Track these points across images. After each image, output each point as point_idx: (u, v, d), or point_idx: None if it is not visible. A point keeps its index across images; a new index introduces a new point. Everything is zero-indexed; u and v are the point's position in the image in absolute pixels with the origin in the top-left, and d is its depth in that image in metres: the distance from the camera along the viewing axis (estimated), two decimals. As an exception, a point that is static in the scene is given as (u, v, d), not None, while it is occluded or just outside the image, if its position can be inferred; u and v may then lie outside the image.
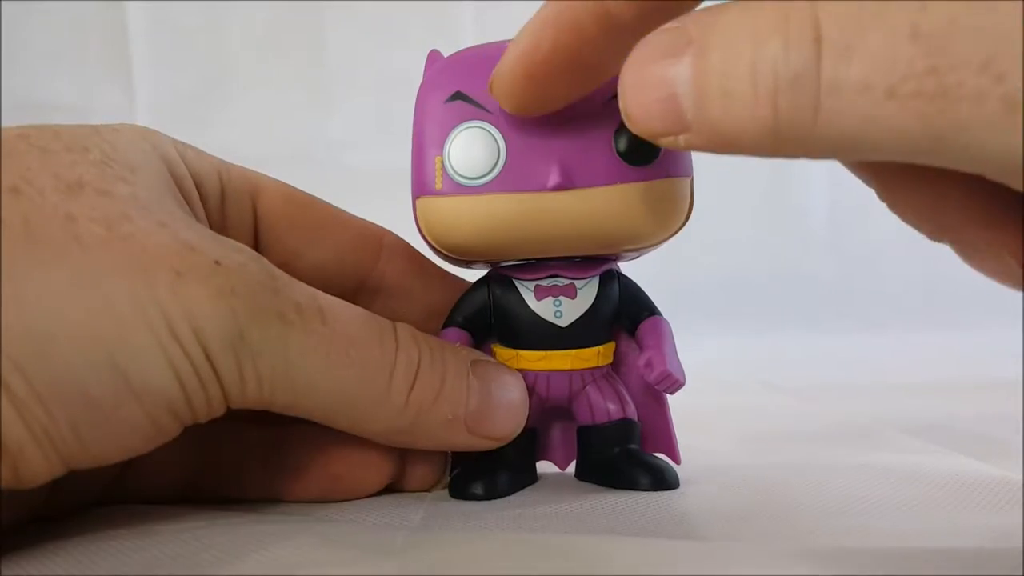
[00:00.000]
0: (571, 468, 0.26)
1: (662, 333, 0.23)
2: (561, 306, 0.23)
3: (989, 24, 0.12)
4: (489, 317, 0.24)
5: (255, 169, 0.24)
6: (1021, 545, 0.18)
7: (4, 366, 0.15)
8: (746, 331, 0.68)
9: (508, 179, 0.21)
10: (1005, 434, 0.33)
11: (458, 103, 0.21)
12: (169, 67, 0.72)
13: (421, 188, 0.22)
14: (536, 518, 0.21)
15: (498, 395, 0.21)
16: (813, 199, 0.78)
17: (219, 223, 0.22)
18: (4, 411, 0.15)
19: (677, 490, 0.23)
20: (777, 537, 0.19)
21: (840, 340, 0.67)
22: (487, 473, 0.23)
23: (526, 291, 0.23)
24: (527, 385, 0.23)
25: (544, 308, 0.23)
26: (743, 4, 0.14)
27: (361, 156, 0.71)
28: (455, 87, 0.21)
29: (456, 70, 0.22)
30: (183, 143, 0.22)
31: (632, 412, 0.24)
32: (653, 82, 0.14)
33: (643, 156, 0.21)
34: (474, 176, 0.21)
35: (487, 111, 0.21)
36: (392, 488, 0.24)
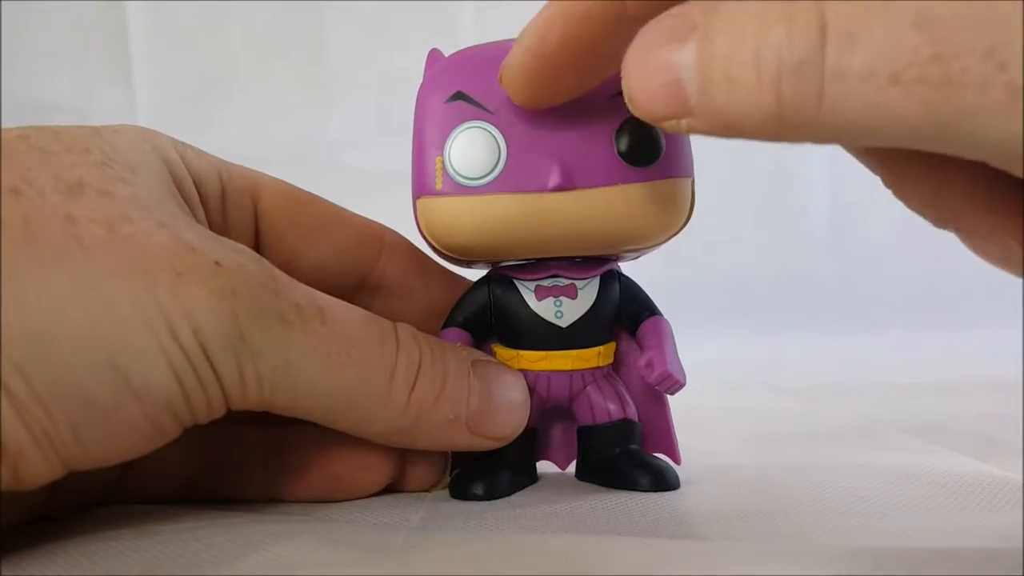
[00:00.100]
0: (571, 468, 0.26)
1: (663, 333, 0.23)
2: (562, 306, 0.23)
3: (993, 13, 0.12)
4: (489, 317, 0.24)
5: (255, 169, 0.24)
6: (1021, 545, 0.18)
7: (4, 367, 0.15)
8: (746, 331, 0.69)
9: (509, 179, 0.21)
10: (1005, 434, 0.33)
11: (459, 103, 0.21)
12: (169, 67, 0.72)
13: (421, 188, 0.22)
14: (536, 518, 0.21)
15: (499, 395, 0.21)
16: (813, 199, 0.78)
17: (220, 223, 0.22)
18: (4, 412, 0.15)
19: (677, 490, 0.23)
20: (777, 537, 0.19)
21: (840, 340, 0.67)
22: (488, 473, 0.23)
23: (527, 291, 0.23)
24: (527, 385, 0.23)
25: (545, 308, 0.23)
26: None
27: (361, 156, 0.71)
28: (456, 87, 0.21)
29: (457, 70, 0.22)
30: (183, 143, 0.22)
31: (632, 412, 0.24)
32: (657, 66, 0.14)
33: (644, 156, 0.21)
34: (475, 176, 0.21)
35: (488, 111, 0.21)
36: (392, 488, 0.24)
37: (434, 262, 0.25)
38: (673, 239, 0.22)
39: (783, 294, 0.75)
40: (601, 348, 0.24)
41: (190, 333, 0.17)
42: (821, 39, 0.13)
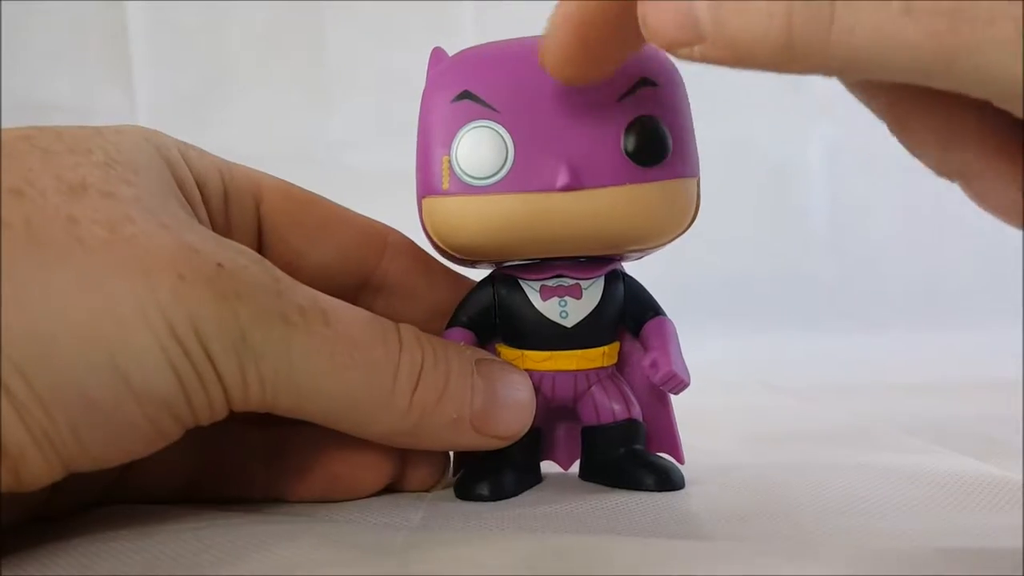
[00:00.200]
0: (574, 468, 0.26)
1: (667, 333, 0.23)
2: (567, 306, 0.23)
3: None
4: (494, 317, 0.24)
5: (257, 169, 0.24)
6: (1021, 545, 0.18)
7: (4, 368, 0.15)
8: (746, 331, 0.68)
9: (516, 179, 0.21)
10: (1005, 434, 0.33)
11: (465, 102, 0.21)
12: (169, 67, 0.72)
13: (427, 188, 0.22)
14: (536, 518, 0.21)
15: (504, 394, 0.21)
16: (813, 199, 0.78)
17: (222, 224, 0.22)
18: (4, 413, 0.15)
19: (678, 490, 0.23)
20: (777, 537, 0.19)
21: (840, 340, 0.67)
22: (493, 474, 0.23)
23: (532, 291, 0.23)
24: (532, 385, 0.22)
25: (550, 308, 0.23)
26: None
27: (361, 156, 0.71)
28: (462, 86, 0.21)
29: (463, 69, 0.22)
30: (186, 144, 0.22)
31: (637, 412, 0.24)
32: None
33: (652, 156, 0.21)
34: (482, 176, 0.21)
35: (495, 111, 0.21)
36: (392, 488, 0.23)
37: (438, 262, 0.25)
38: (677, 239, 0.22)
39: (783, 294, 0.75)
40: (606, 348, 0.24)
41: (192, 335, 0.17)
42: None
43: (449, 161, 0.21)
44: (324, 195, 0.25)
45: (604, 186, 0.21)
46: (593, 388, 0.24)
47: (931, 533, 0.19)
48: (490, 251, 0.22)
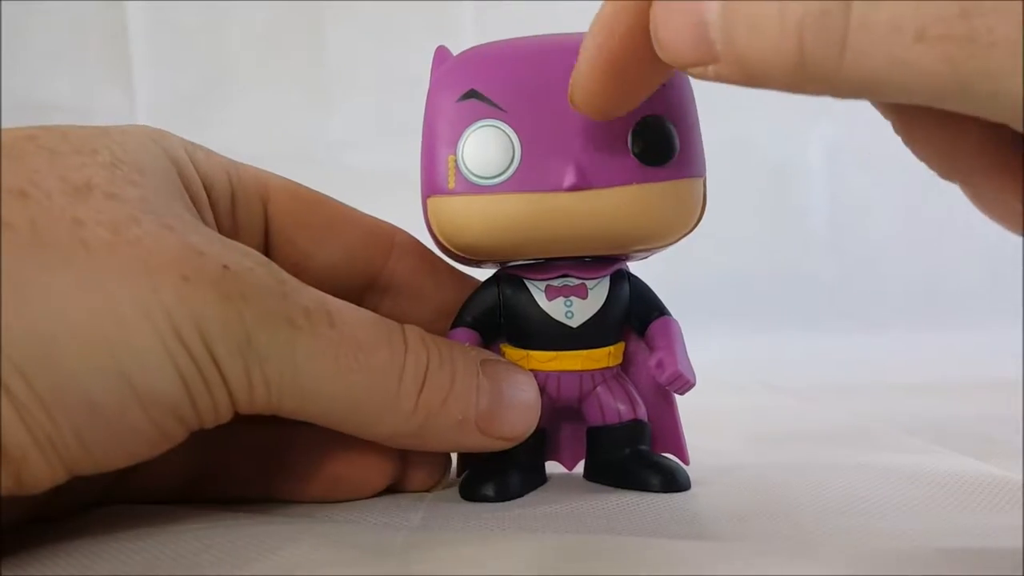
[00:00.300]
0: (578, 468, 0.26)
1: (672, 334, 0.23)
2: (572, 306, 0.23)
3: None
4: (499, 317, 0.24)
5: (264, 169, 0.24)
6: (1021, 545, 0.18)
7: (6, 370, 0.15)
8: (746, 331, 0.69)
9: (523, 179, 0.21)
10: (1005, 434, 0.33)
11: (472, 101, 0.21)
12: (169, 67, 0.72)
13: (432, 187, 0.22)
14: (537, 518, 0.21)
15: (510, 395, 0.21)
16: (813, 199, 0.78)
17: (229, 225, 0.22)
18: (6, 416, 0.15)
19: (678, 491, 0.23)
20: (777, 537, 0.19)
21: (840, 340, 0.67)
22: (498, 474, 0.23)
23: (537, 291, 0.23)
24: (537, 385, 0.22)
25: (555, 308, 0.23)
26: None
27: (361, 156, 0.71)
28: (469, 85, 0.21)
29: (469, 68, 0.22)
30: (193, 144, 0.22)
31: (642, 413, 0.24)
32: (685, 12, 0.14)
33: (659, 156, 0.21)
34: (489, 175, 0.21)
35: (502, 110, 0.21)
36: (393, 489, 0.23)
37: (444, 262, 0.25)
38: (683, 239, 0.22)
39: (783, 294, 0.75)
40: (611, 348, 0.24)
41: (197, 337, 0.17)
42: None
43: (455, 160, 0.21)
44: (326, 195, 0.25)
45: (611, 186, 0.21)
46: (598, 388, 0.24)
47: (931, 533, 0.19)
48: (496, 251, 0.22)
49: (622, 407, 0.24)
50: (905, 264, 0.76)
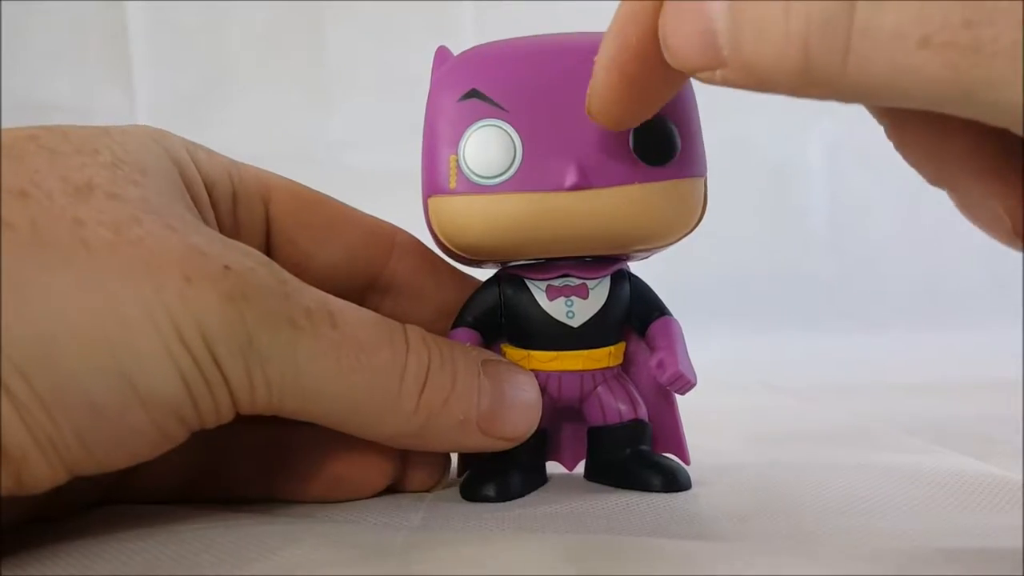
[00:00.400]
0: (579, 468, 0.26)
1: (673, 334, 0.23)
2: (573, 306, 0.23)
3: None
4: (500, 317, 0.24)
5: (266, 169, 0.24)
6: (1021, 545, 0.18)
7: (7, 370, 0.15)
8: (746, 331, 0.69)
9: (525, 178, 0.21)
10: (1005, 434, 0.33)
11: (473, 101, 0.21)
12: (169, 67, 0.72)
13: (434, 187, 0.22)
14: (537, 518, 0.21)
15: (511, 395, 0.21)
16: (813, 199, 0.78)
17: (230, 225, 0.22)
18: (7, 417, 0.15)
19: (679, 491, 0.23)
20: (777, 537, 0.19)
21: (840, 340, 0.67)
22: (499, 475, 0.23)
23: (538, 291, 0.23)
24: (538, 385, 0.22)
25: (556, 308, 0.23)
26: None
27: (361, 156, 0.71)
28: (470, 85, 0.21)
29: (470, 67, 0.22)
30: (195, 144, 0.22)
31: (643, 413, 0.24)
32: (692, 17, 0.15)
33: (660, 156, 0.21)
34: (490, 175, 0.21)
35: (503, 109, 0.21)
36: (393, 489, 0.23)
37: (444, 262, 0.25)
38: (683, 239, 0.22)
39: (783, 294, 0.75)
40: (612, 348, 0.24)
41: (198, 338, 0.17)
42: None
43: (456, 160, 0.21)
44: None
45: (612, 185, 0.21)
46: (599, 388, 0.24)
47: (931, 533, 0.19)
48: (497, 251, 0.22)
49: (623, 407, 0.24)
50: (905, 264, 0.76)
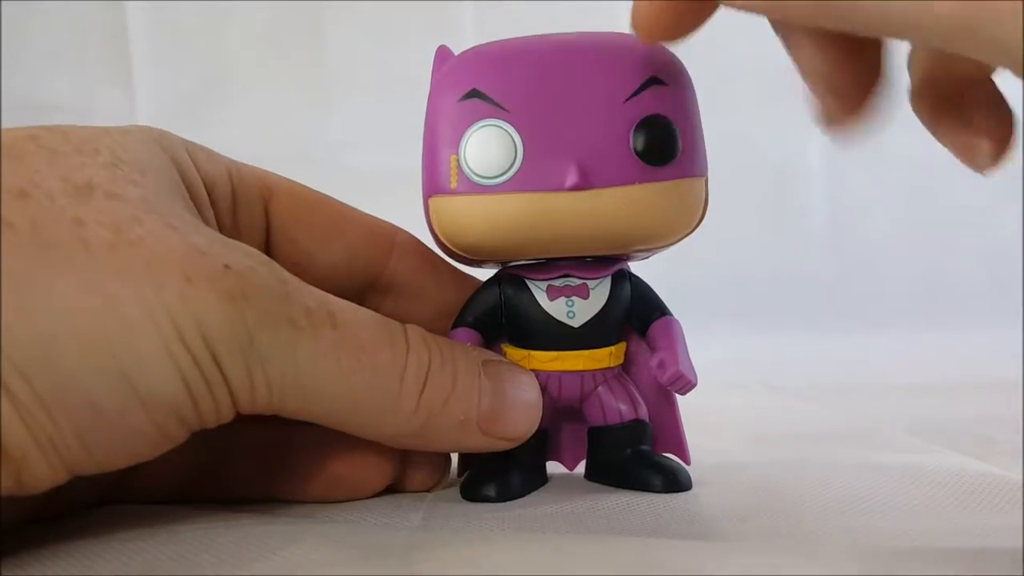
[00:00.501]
0: (579, 468, 0.26)
1: (674, 334, 0.23)
2: (574, 306, 0.23)
3: None
4: (500, 317, 0.24)
5: (266, 169, 0.24)
6: (1021, 545, 0.18)
7: (7, 371, 0.15)
8: (746, 331, 0.68)
9: (525, 178, 0.21)
10: (1005, 434, 0.33)
11: (474, 101, 0.21)
12: (169, 67, 0.72)
13: (434, 187, 0.22)
14: (537, 518, 0.21)
15: (512, 395, 0.21)
16: (813, 199, 0.78)
17: (230, 225, 0.22)
18: (7, 417, 0.15)
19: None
20: (777, 537, 0.19)
21: (840, 340, 0.67)
22: (499, 475, 0.23)
23: (538, 291, 0.23)
24: (539, 385, 0.22)
25: (557, 308, 0.23)
26: None
27: (361, 156, 0.71)
28: (471, 85, 0.21)
29: (470, 67, 0.22)
30: (195, 144, 0.22)
31: (644, 413, 0.24)
32: None
33: (661, 156, 0.21)
34: (491, 175, 0.21)
35: (504, 109, 0.21)
36: (393, 489, 0.23)
37: (445, 262, 0.25)
38: (684, 239, 0.22)
39: (783, 294, 0.75)
40: (612, 348, 0.24)
41: (199, 338, 0.17)
42: None
43: (457, 160, 0.21)
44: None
45: (613, 186, 0.21)
46: (600, 388, 0.24)
47: (931, 533, 0.19)
48: (498, 251, 0.22)
49: (623, 407, 0.24)
50: (905, 264, 0.76)
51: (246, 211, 0.23)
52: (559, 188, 0.20)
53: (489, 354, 0.22)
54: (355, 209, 0.25)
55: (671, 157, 0.21)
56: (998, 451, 0.29)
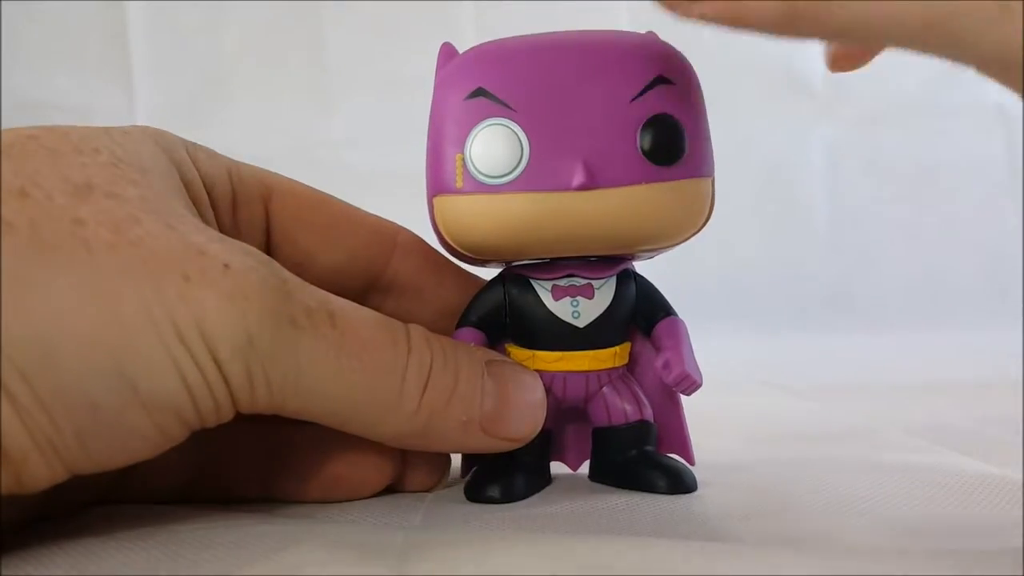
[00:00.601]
0: (583, 468, 0.25)
1: (679, 334, 0.23)
2: (579, 306, 0.23)
3: None
4: (504, 317, 0.23)
5: (266, 169, 0.24)
6: (1021, 545, 0.18)
7: (7, 373, 0.15)
8: (747, 331, 0.69)
9: (531, 178, 0.20)
10: (1005, 434, 0.33)
11: (480, 100, 0.21)
12: (169, 67, 0.72)
13: (439, 186, 0.21)
14: (538, 518, 0.21)
15: (516, 396, 0.21)
16: (813, 199, 0.78)
17: (230, 225, 0.22)
18: (7, 419, 0.15)
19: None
20: (778, 536, 0.19)
21: (840, 340, 0.67)
22: (504, 475, 0.23)
23: (543, 291, 0.23)
24: (543, 386, 0.22)
25: (561, 308, 0.23)
26: None
27: (361, 156, 0.71)
28: (476, 83, 0.21)
29: (476, 66, 0.21)
30: (195, 144, 0.22)
31: (649, 413, 0.24)
32: None
33: (668, 155, 0.21)
34: (497, 175, 0.21)
35: (510, 108, 0.21)
36: (392, 489, 0.23)
37: (447, 261, 0.25)
38: (691, 239, 0.22)
39: (783, 294, 0.75)
40: (617, 348, 0.23)
41: (198, 338, 0.16)
42: None
43: (463, 159, 0.21)
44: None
45: (620, 185, 0.20)
46: (604, 389, 0.24)
47: (931, 533, 0.19)
48: (504, 250, 0.22)
49: (628, 408, 0.24)
50: (905, 264, 0.76)
51: (246, 211, 0.23)
52: (566, 188, 0.20)
53: (493, 354, 0.22)
54: (356, 208, 0.25)
55: (678, 157, 0.21)
56: (998, 451, 0.29)
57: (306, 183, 0.25)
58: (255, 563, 0.17)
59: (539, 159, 0.20)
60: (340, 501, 0.23)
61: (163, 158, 0.20)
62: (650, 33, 0.22)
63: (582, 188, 0.20)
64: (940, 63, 0.15)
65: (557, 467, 0.25)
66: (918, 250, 0.75)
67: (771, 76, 0.75)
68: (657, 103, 0.21)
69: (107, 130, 0.19)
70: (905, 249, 0.76)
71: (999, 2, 0.12)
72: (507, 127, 0.21)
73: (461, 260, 0.24)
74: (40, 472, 0.16)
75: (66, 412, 0.16)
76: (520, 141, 0.21)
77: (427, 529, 0.20)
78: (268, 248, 0.23)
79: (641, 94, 0.21)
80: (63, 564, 0.17)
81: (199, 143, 0.22)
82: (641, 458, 0.24)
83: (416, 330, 0.20)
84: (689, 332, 0.24)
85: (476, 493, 0.23)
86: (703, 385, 0.23)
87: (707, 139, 0.22)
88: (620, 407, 0.23)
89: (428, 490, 0.24)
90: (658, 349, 0.23)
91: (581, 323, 0.23)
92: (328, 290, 0.20)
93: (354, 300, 0.20)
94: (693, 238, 0.22)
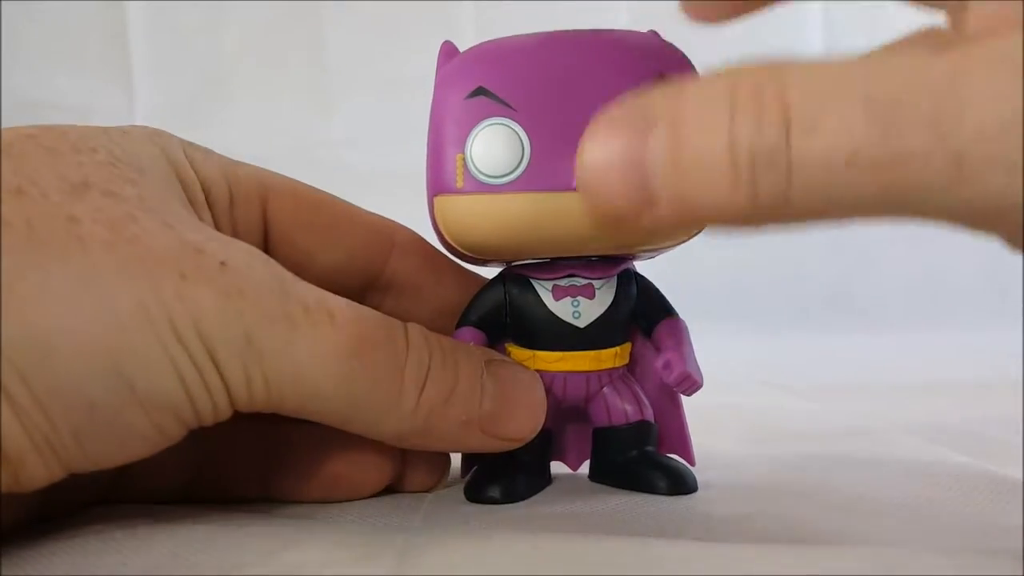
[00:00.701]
0: (583, 468, 0.25)
1: (680, 334, 0.23)
2: (579, 306, 0.23)
3: (930, 81, 0.12)
4: (505, 317, 0.23)
5: (264, 168, 0.24)
6: (1021, 545, 0.18)
7: (4, 372, 0.15)
8: (746, 331, 0.69)
9: (533, 178, 0.20)
10: (1005, 434, 0.33)
11: (480, 99, 0.21)
12: (169, 67, 0.72)
13: (439, 186, 0.21)
14: (539, 519, 0.21)
15: (515, 395, 0.21)
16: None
17: (227, 225, 0.22)
18: (5, 419, 0.15)
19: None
20: (778, 537, 0.19)
21: (840, 340, 0.67)
22: (504, 476, 0.23)
23: (544, 291, 0.23)
24: (543, 386, 0.22)
25: (562, 308, 0.23)
26: (709, 79, 0.14)
27: (361, 156, 0.71)
28: (477, 82, 0.21)
29: (477, 64, 0.21)
30: (193, 145, 0.22)
31: (649, 414, 0.24)
32: (620, 156, 0.14)
33: None
34: (498, 174, 0.21)
35: (512, 108, 0.21)
36: (392, 488, 0.23)
37: (447, 260, 0.25)
38: (692, 238, 0.22)
39: (783, 294, 0.75)
40: (618, 348, 0.23)
41: (195, 336, 0.16)
42: (786, 127, 0.13)
43: (463, 159, 0.21)
44: (326, 195, 0.25)
45: None
46: (605, 389, 0.24)
47: (931, 533, 0.19)
48: (504, 250, 0.22)
49: (629, 408, 0.24)
50: (905, 264, 0.76)
51: (244, 210, 0.23)
52: (567, 188, 0.20)
53: (492, 354, 0.22)
54: (354, 207, 0.25)
55: None
56: (998, 451, 0.29)
57: (306, 183, 0.25)
58: (255, 563, 0.17)
59: (540, 159, 0.20)
60: (340, 501, 0.23)
61: (161, 158, 0.20)
62: (651, 32, 0.22)
63: None
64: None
65: (557, 467, 0.25)
66: (918, 250, 0.75)
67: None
68: None
69: (105, 130, 0.19)
70: (905, 249, 0.76)
71: (954, 157, 0.12)
72: (508, 127, 0.21)
73: (462, 259, 0.24)
74: (38, 471, 0.16)
75: (63, 411, 0.16)
76: (521, 141, 0.20)
77: (427, 529, 0.20)
78: (266, 247, 0.23)
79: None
80: (63, 564, 0.17)
81: (199, 143, 0.22)
82: (642, 458, 0.24)
83: (415, 329, 0.20)
84: (690, 332, 0.24)
85: (476, 493, 0.23)
86: (703, 385, 0.23)
87: None
88: (620, 407, 0.23)
89: (428, 490, 0.24)
90: (659, 349, 0.23)
91: (582, 323, 0.23)
92: (326, 289, 0.19)
93: (353, 299, 0.20)
94: (693, 238, 0.22)
